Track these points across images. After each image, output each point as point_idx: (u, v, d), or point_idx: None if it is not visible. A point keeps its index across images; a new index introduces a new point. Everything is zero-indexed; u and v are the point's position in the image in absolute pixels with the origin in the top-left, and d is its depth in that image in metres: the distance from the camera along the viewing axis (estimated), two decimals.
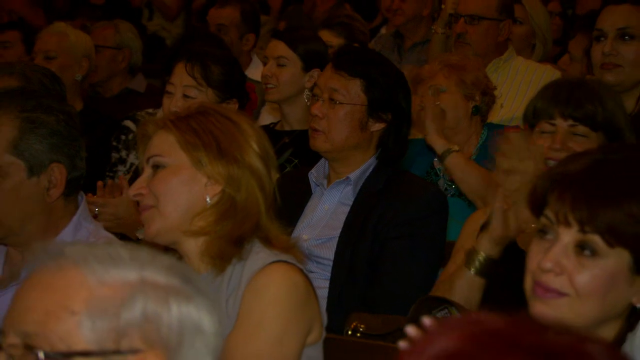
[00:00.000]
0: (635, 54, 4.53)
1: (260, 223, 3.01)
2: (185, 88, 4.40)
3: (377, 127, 3.95)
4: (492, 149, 3.57)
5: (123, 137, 5.38)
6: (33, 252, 1.88)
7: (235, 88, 4.66)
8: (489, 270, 3.35)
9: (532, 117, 3.65)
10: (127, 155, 5.39)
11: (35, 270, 1.84)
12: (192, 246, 3.01)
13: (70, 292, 1.79)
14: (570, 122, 3.52)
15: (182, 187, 3.01)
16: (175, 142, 2.99)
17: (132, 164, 5.24)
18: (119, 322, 1.76)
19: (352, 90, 3.94)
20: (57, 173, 3.28)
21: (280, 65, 5.15)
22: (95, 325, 1.76)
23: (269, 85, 5.08)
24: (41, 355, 1.71)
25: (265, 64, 5.41)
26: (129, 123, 5.38)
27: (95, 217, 3.82)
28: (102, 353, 1.77)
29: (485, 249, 3.34)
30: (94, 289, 1.78)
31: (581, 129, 3.52)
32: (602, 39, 4.52)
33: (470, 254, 3.37)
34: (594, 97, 3.59)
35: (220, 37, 6.29)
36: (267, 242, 3.02)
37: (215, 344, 1.87)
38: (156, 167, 3.02)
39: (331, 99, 3.94)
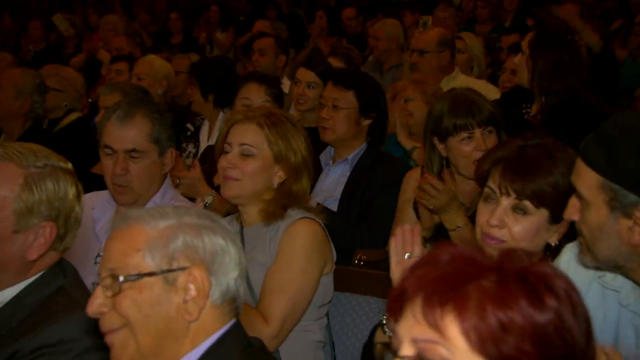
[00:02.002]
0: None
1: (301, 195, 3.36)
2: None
3: (366, 122, 4.44)
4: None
5: (183, 134, 5.69)
6: (113, 219, 2.34)
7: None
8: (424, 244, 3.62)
9: (453, 131, 3.69)
10: (187, 146, 5.67)
11: (116, 229, 2.07)
12: (254, 208, 3.30)
13: (134, 238, 2.01)
14: (483, 127, 3.70)
15: (261, 173, 3.27)
16: (265, 139, 3.25)
17: (190, 152, 5.57)
18: (168, 251, 1.99)
19: (347, 99, 4.41)
20: (172, 154, 3.59)
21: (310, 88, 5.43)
22: (154, 255, 1.98)
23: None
24: (121, 278, 1.94)
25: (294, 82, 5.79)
26: (189, 125, 5.75)
27: (177, 186, 3.97)
28: (161, 272, 1.98)
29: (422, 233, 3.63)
30: (148, 233, 2.00)
31: (489, 129, 3.71)
32: None
33: None
34: (484, 105, 3.79)
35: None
36: (299, 206, 3.35)
37: (238, 260, 2.07)
38: (245, 154, 3.26)
39: (334, 106, 4.42)
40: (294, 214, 3.30)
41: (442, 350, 1.33)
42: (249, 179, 3.26)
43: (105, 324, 1.98)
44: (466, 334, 1.31)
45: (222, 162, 3.30)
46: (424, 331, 1.35)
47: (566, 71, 4.54)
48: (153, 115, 3.53)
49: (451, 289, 1.34)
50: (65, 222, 2.43)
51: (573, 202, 2.16)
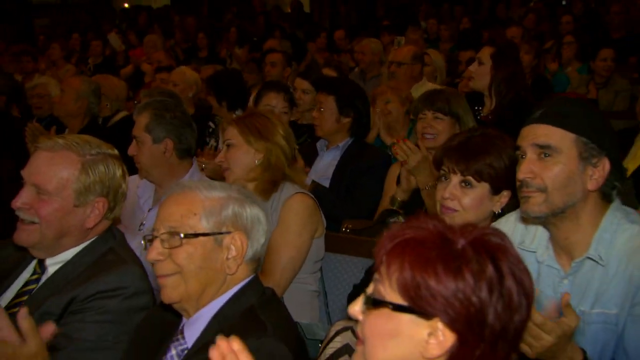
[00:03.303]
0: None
1: (285, 173, 3.33)
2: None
3: (345, 120, 4.37)
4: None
5: (207, 130, 5.60)
6: (170, 186, 2.11)
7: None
8: (402, 207, 3.70)
9: (414, 112, 4.04)
10: (209, 140, 5.55)
11: (171, 194, 2.05)
12: (250, 186, 3.25)
13: (192, 203, 2.00)
14: (432, 112, 3.88)
15: (242, 156, 3.30)
16: (237, 132, 3.29)
17: (211, 145, 5.45)
18: (220, 217, 2.00)
19: (329, 102, 4.35)
20: (170, 146, 3.55)
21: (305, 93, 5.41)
22: (208, 219, 1.99)
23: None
24: (182, 235, 1.96)
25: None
26: (210, 123, 5.63)
27: (202, 169, 3.97)
28: (212, 234, 1.98)
29: (400, 195, 3.74)
30: (204, 201, 2.00)
31: (439, 115, 3.86)
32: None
33: (393, 198, 3.76)
34: (444, 98, 3.93)
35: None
36: (292, 182, 3.35)
37: (266, 228, 2.10)
38: (228, 146, 3.33)
39: (320, 108, 4.39)
40: (291, 189, 3.31)
41: (381, 288, 1.38)
42: (234, 164, 3.30)
43: (161, 270, 1.98)
44: (391, 279, 1.36)
45: (219, 158, 3.39)
46: (376, 273, 1.40)
47: (517, 80, 4.53)
48: (154, 112, 3.57)
49: (393, 246, 1.37)
50: (115, 197, 2.44)
51: (527, 165, 2.09)
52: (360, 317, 1.39)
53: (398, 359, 1.35)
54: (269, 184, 3.29)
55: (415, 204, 3.66)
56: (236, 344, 1.45)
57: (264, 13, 14.07)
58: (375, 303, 1.36)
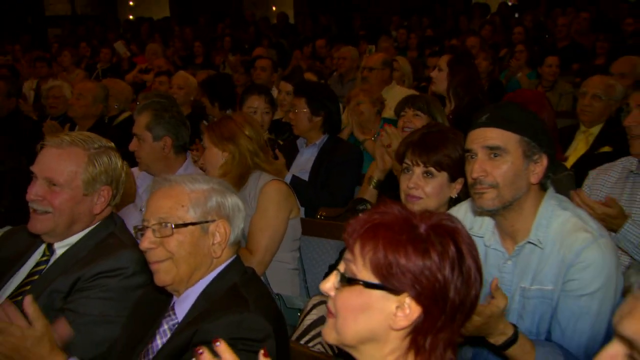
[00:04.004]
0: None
1: (252, 165, 3.32)
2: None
3: (317, 119, 4.34)
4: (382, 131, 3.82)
5: (201, 128, 5.37)
6: (155, 180, 2.07)
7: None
8: (378, 186, 3.74)
9: (398, 112, 4.03)
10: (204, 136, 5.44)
11: (159, 188, 2.02)
12: (229, 181, 3.16)
13: (179, 196, 1.98)
14: (413, 110, 3.91)
15: (212, 156, 3.33)
16: (207, 137, 3.36)
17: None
18: (206, 208, 1.98)
19: (301, 104, 4.35)
20: (168, 143, 3.57)
21: (288, 94, 5.36)
22: (195, 210, 1.97)
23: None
24: (173, 225, 1.94)
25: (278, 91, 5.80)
26: (204, 121, 5.47)
27: (195, 162, 3.93)
28: (199, 222, 1.96)
29: (377, 175, 3.75)
30: (190, 193, 1.98)
31: (418, 112, 3.89)
32: None
33: (370, 178, 3.78)
34: (424, 100, 3.99)
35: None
36: (265, 171, 3.37)
37: (244, 215, 2.09)
38: (205, 149, 3.39)
39: (295, 111, 4.39)
40: (266, 177, 3.33)
41: (353, 267, 1.37)
42: (208, 164, 3.34)
43: (153, 256, 1.97)
44: (364, 259, 1.35)
45: (200, 161, 3.45)
46: (348, 254, 1.39)
47: (473, 83, 4.52)
48: (154, 112, 3.57)
49: (365, 229, 1.36)
50: (117, 185, 2.44)
51: (479, 165, 2.08)
52: (332, 293, 1.39)
53: (368, 330, 1.35)
54: (237, 177, 3.29)
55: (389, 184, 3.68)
56: (222, 344, 1.43)
57: (254, 24, 14.08)
58: (349, 281, 1.35)
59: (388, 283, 1.32)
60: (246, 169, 3.33)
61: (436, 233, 1.34)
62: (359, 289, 1.34)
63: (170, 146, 3.56)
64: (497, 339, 1.91)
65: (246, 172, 3.33)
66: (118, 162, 2.44)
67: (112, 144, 2.47)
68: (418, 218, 1.38)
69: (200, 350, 1.40)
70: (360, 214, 1.42)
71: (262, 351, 1.37)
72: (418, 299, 1.32)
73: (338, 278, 1.37)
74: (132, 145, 3.60)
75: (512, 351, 1.91)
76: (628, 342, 0.96)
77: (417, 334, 1.35)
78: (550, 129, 2.55)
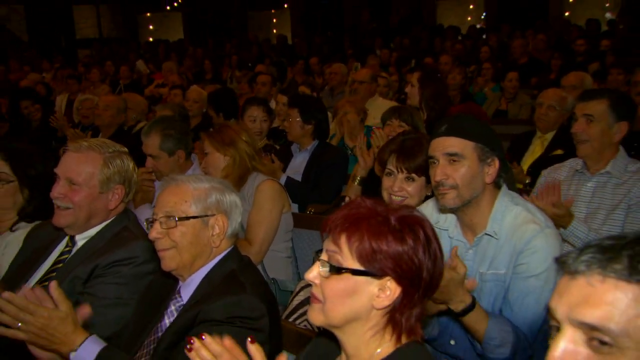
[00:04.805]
0: None
1: (251, 167, 3.29)
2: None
3: (308, 127, 4.30)
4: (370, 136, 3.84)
5: None
6: (164, 179, 2.07)
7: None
8: (362, 183, 3.69)
9: (384, 120, 3.99)
10: None
11: (168, 186, 2.01)
12: (231, 182, 2.95)
13: (184, 193, 1.96)
14: (399, 120, 3.88)
15: (214, 160, 3.27)
16: (209, 143, 3.29)
17: None
18: (206, 203, 1.96)
19: (294, 114, 4.29)
20: (182, 154, 3.52)
21: (285, 105, 5.19)
22: (197, 205, 1.95)
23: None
24: (177, 218, 1.92)
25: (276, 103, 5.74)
26: (211, 130, 5.26)
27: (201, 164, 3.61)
28: (200, 216, 1.95)
29: (360, 174, 3.70)
30: (193, 191, 1.96)
31: (403, 124, 3.84)
32: None
33: (354, 176, 3.74)
34: (408, 112, 3.96)
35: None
36: (261, 172, 3.32)
37: (242, 211, 2.06)
38: (206, 154, 3.30)
39: (289, 120, 4.34)
40: (261, 177, 3.29)
41: (339, 257, 1.35)
42: (210, 167, 3.27)
43: (160, 245, 1.95)
44: (351, 250, 1.34)
45: (202, 165, 3.35)
46: (331, 246, 1.36)
47: (441, 96, 4.48)
48: (163, 133, 3.48)
49: (349, 223, 1.34)
50: (129, 184, 2.41)
51: (441, 170, 2.06)
52: (317, 281, 1.37)
53: (353, 312, 1.35)
54: (237, 178, 3.25)
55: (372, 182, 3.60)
56: (227, 341, 1.40)
57: (257, 44, 14.05)
58: (337, 270, 1.33)
59: (372, 269, 1.31)
60: (245, 171, 3.29)
61: (407, 222, 1.34)
62: (346, 276, 1.33)
63: (183, 157, 3.54)
64: (457, 306, 1.91)
65: (245, 173, 3.29)
66: (130, 164, 2.41)
67: (126, 149, 2.45)
68: (388, 211, 1.37)
69: (192, 341, 1.39)
70: (337, 211, 1.40)
71: (249, 338, 1.37)
72: (398, 280, 1.32)
73: (325, 268, 1.35)
74: (148, 164, 3.51)
75: (469, 318, 1.93)
76: (587, 328, 0.93)
77: (395, 311, 1.35)
78: None
